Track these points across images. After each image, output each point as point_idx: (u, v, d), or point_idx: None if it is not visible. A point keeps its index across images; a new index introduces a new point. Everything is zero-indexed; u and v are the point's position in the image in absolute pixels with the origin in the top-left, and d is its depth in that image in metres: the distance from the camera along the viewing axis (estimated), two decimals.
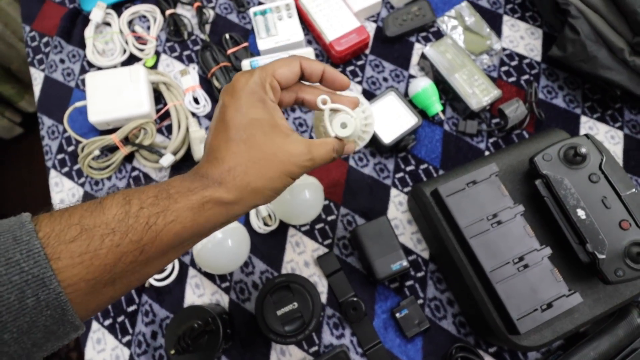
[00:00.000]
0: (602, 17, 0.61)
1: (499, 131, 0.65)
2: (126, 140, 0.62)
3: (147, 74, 0.65)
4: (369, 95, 0.68)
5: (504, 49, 0.70)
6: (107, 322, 0.58)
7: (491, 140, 0.65)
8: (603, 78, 0.60)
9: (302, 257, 0.60)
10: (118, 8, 0.74)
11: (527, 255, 0.46)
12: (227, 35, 0.70)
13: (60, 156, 0.66)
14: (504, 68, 0.69)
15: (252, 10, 0.70)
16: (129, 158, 0.65)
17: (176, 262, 0.59)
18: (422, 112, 0.65)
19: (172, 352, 0.49)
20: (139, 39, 0.72)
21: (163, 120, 0.67)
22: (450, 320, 0.56)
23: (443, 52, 0.65)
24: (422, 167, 0.64)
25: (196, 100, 0.68)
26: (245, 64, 0.67)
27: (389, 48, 0.71)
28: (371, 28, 0.72)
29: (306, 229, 0.61)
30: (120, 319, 0.58)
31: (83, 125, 0.65)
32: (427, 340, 0.56)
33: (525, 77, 0.68)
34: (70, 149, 0.67)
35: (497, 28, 0.72)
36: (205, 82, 0.69)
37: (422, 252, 0.60)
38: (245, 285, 0.59)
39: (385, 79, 0.69)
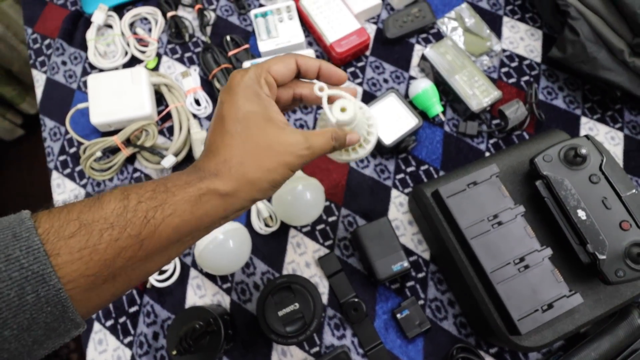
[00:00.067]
0: (602, 19, 0.61)
1: (499, 132, 0.65)
2: (128, 142, 0.63)
3: (149, 76, 0.65)
4: (370, 97, 0.68)
5: (504, 50, 0.70)
6: (108, 323, 0.58)
7: (491, 141, 0.65)
8: (603, 79, 0.60)
9: (303, 258, 0.60)
10: (120, 10, 0.74)
11: (527, 256, 0.46)
12: (228, 37, 0.70)
13: (62, 158, 0.67)
14: (504, 69, 0.69)
15: (252, 12, 0.70)
16: (131, 159, 0.66)
17: (177, 263, 0.60)
18: (422, 114, 0.66)
19: (174, 352, 0.49)
20: (141, 41, 0.72)
21: (164, 121, 0.67)
22: (451, 321, 0.56)
23: (443, 53, 0.66)
24: (422, 168, 0.64)
25: (197, 102, 0.68)
26: (246, 65, 0.67)
27: (389, 49, 0.71)
28: (371, 30, 0.72)
29: (307, 230, 0.61)
30: (121, 320, 0.58)
31: (85, 127, 0.66)
32: (428, 341, 0.56)
33: (526, 78, 0.68)
34: (72, 150, 0.67)
35: (497, 29, 0.72)
36: (207, 84, 0.69)
37: (422, 253, 0.60)
38: (246, 286, 0.59)
39: (385, 81, 0.69)
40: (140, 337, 0.57)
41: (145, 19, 0.74)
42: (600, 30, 0.61)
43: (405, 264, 0.55)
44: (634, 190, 0.47)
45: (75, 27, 0.73)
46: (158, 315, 0.58)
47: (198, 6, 0.72)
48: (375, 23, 0.73)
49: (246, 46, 0.70)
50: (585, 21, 0.61)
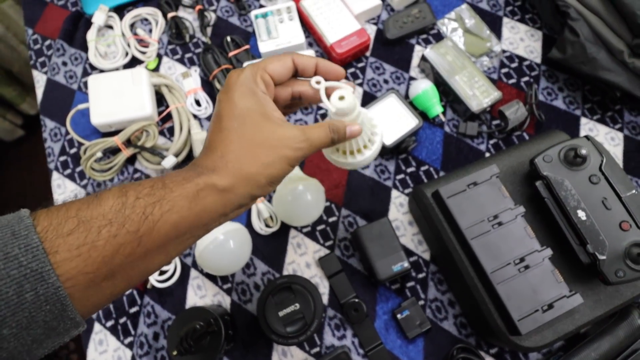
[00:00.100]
0: (602, 19, 0.61)
1: (500, 133, 0.65)
2: (128, 143, 0.63)
3: (149, 77, 0.66)
4: (370, 97, 0.68)
5: (504, 51, 0.70)
6: (109, 324, 0.58)
7: (491, 141, 0.65)
8: (603, 80, 0.60)
9: (303, 259, 0.60)
10: (120, 11, 0.75)
11: (528, 256, 0.46)
12: (228, 38, 0.71)
13: (62, 158, 0.67)
14: (504, 70, 0.69)
15: (253, 13, 0.70)
16: (131, 160, 0.66)
17: (178, 263, 0.60)
18: (422, 114, 0.66)
19: (175, 353, 0.49)
20: (141, 41, 0.72)
21: (165, 122, 0.68)
22: (452, 321, 0.57)
23: (443, 54, 0.66)
24: (422, 168, 0.64)
25: (198, 103, 0.68)
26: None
27: (389, 50, 0.71)
28: (372, 30, 0.73)
29: (307, 231, 0.61)
30: (122, 320, 0.58)
31: (85, 128, 0.66)
32: (428, 341, 0.56)
33: (525, 78, 0.69)
34: (73, 151, 0.67)
35: (497, 30, 0.72)
36: (207, 85, 0.69)
37: (423, 254, 0.60)
38: (247, 286, 0.59)
39: (385, 81, 0.69)
40: (141, 337, 0.57)
41: (146, 19, 0.74)
42: (600, 31, 0.61)
43: (406, 264, 0.55)
44: (633, 191, 0.47)
45: (75, 28, 0.73)
46: (158, 315, 0.58)
47: (198, 7, 0.72)
48: (376, 24, 0.73)
49: (246, 47, 0.70)
50: (585, 22, 0.61)
